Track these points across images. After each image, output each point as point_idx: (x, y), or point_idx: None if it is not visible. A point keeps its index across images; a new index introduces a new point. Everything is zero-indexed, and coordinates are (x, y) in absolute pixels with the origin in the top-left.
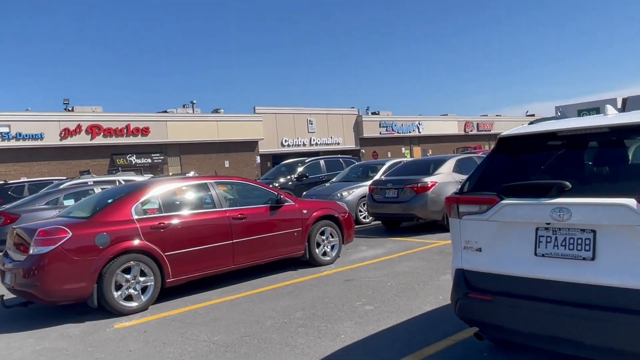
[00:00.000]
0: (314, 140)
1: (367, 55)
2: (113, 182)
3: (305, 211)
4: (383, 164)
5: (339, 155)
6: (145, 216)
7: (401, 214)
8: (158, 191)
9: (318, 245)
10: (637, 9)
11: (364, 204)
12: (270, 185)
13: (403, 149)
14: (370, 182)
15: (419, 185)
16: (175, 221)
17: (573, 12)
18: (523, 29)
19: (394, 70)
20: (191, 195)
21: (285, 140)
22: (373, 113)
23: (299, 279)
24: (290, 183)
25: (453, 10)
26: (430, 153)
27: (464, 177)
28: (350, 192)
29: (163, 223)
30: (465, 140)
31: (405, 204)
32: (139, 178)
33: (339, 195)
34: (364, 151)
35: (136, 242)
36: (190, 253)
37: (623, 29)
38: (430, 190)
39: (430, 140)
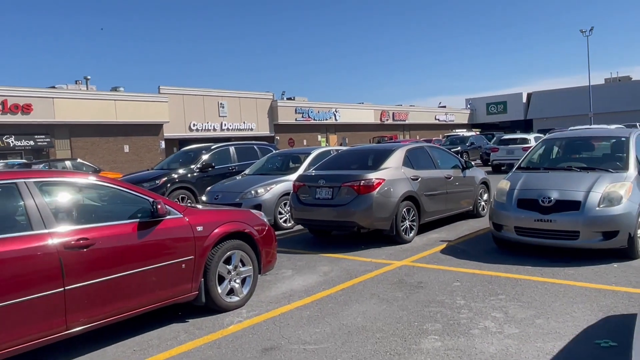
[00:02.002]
0: (225, 125)
1: (282, 38)
2: None
3: (200, 227)
4: (309, 154)
5: (254, 142)
6: None
7: (337, 221)
8: None
9: (221, 280)
10: (540, 11)
11: (285, 204)
12: (163, 178)
13: (319, 136)
14: (293, 176)
15: (362, 183)
16: None
17: (482, 12)
18: (435, 26)
19: (308, 55)
20: None
21: (194, 125)
22: (289, 98)
23: (183, 346)
24: (190, 175)
25: (370, 6)
26: (347, 141)
27: (416, 172)
28: (268, 188)
29: None
30: (381, 129)
31: (342, 208)
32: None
33: (252, 192)
34: (278, 138)
35: None
36: None
37: (527, 28)
38: (377, 190)
39: (346, 128)
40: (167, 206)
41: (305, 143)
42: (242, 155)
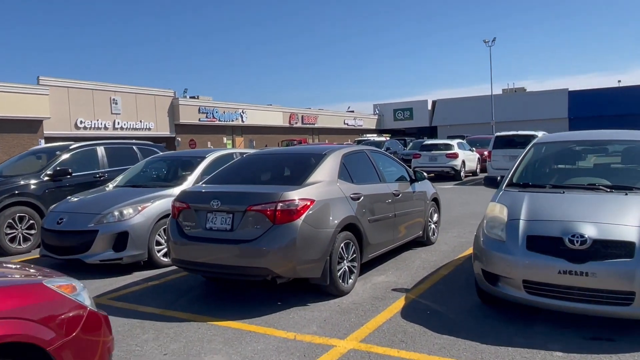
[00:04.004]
0: (119, 123)
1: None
2: None
3: None
4: (203, 158)
5: (133, 141)
6: None
7: (239, 266)
8: None
9: None
10: (446, 22)
11: (166, 230)
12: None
13: (225, 138)
14: (180, 189)
15: (280, 207)
16: None
17: (390, 22)
18: (344, 33)
19: (215, 53)
20: None
21: (81, 122)
22: (192, 97)
23: None
24: (35, 185)
25: (279, 7)
26: (255, 144)
27: (357, 188)
28: (140, 208)
29: None
30: (290, 132)
31: (248, 247)
32: None
33: (116, 214)
34: (180, 139)
35: None
36: None
37: (434, 38)
38: (302, 216)
39: (254, 130)
40: None
41: (209, 145)
42: (114, 158)
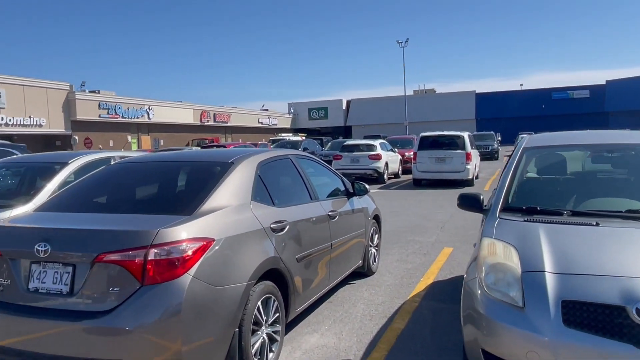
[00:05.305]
0: (3, 119)
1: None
2: None
3: None
4: (65, 164)
5: None
6: None
7: (82, 359)
8: None
9: None
10: (360, 22)
11: None
12: None
13: (129, 137)
14: (24, 209)
15: (153, 254)
16: None
17: (302, 21)
18: (259, 31)
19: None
20: None
21: None
22: (92, 91)
23: None
24: None
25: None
26: (162, 144)
27: (280, 212)
28: None
29: None
30: (202, 131)
31: (94, 324)
32: None
33: None
34: (77, 138)
35: None
36: None
37: (348, 37)
38: (193, 269)
39: (162, 128)
40: None
41: (111, 144)
42: None
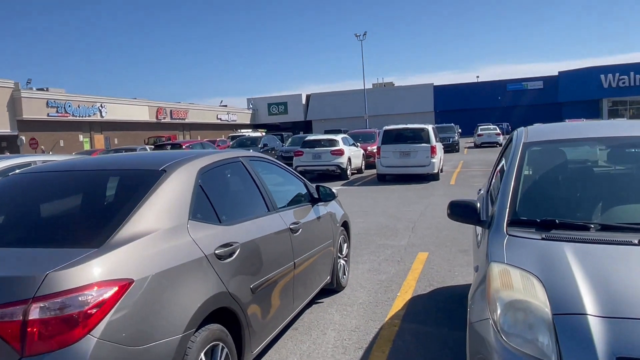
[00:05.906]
0: None
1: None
2: None
3: None
4: None
5: None
6: None
7: None
8: None
9: None
10: (320, 16)
11: None
12: None
13: (81, 136)
14: None
15: (36, 310)
16: None
17: (262, 15)
18: (216, 30)
19: (68, 40)
20: None
21: None
22: (39, 89)
23: None
24: None
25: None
26: (117, 143)
27: (227, 232)
28: None
29: None
30: (158, 128)
31: None
32: None
33: None
34: (23, 138)
35: None
36: None
37: (305, 33)
38: (101, 324)
39: (116, 126)
40: None
41: (62, 144)
42: None
